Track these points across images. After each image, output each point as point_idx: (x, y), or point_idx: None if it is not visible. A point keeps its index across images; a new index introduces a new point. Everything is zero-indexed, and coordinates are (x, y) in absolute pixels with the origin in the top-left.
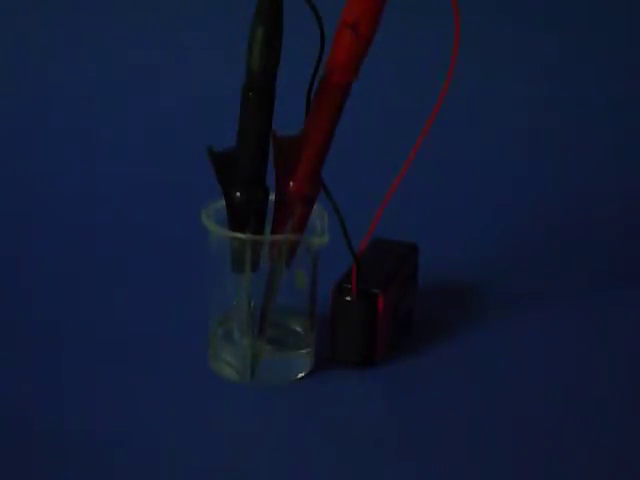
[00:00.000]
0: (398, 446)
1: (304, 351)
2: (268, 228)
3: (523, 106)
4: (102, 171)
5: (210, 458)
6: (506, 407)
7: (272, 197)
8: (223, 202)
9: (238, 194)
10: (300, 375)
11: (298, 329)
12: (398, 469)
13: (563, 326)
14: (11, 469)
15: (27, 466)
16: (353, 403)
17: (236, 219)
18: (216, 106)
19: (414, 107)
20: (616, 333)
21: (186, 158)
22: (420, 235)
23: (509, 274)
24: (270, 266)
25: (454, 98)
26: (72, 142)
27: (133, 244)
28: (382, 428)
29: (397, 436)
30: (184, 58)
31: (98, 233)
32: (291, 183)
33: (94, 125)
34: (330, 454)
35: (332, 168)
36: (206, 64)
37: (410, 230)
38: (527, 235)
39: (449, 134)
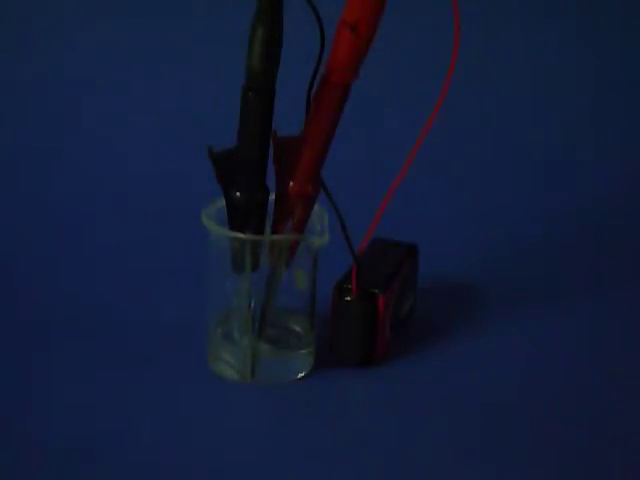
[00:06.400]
0: (398, 446)
1: (304, 351)
2: (268, 228)
3: (523, 106)
4: (102, 171)
5: (210, 458)
6: (506, 407)
7: (272, 197)
8: (223, 202)
9: (238, 194)
10: (300, 375)
11: (298, 329)
12: (398, 469)
13: (563, 326)
14: (9, 472)
15: (27, 467)
16: (353, 403)
17: (236, 219)
18: (216, 106)
19: (414, 107)
20: (616, 333)
21: (186, 158)
22: (420, 235)
23: (509, 274)
24: (270, 266)
25: (454, 98)
26: (72, 142)
27: (133, 244)
28: (382, 428)
29: (397, 436)
30: (184, 58)
31: (98, 233)
32: (291, 183)
33: (93, 125)
34: (330, 454)
35: (332, 168)
36: (206, 64)
37: (410, 230)
38: (527, 235)
39: (449, 134)
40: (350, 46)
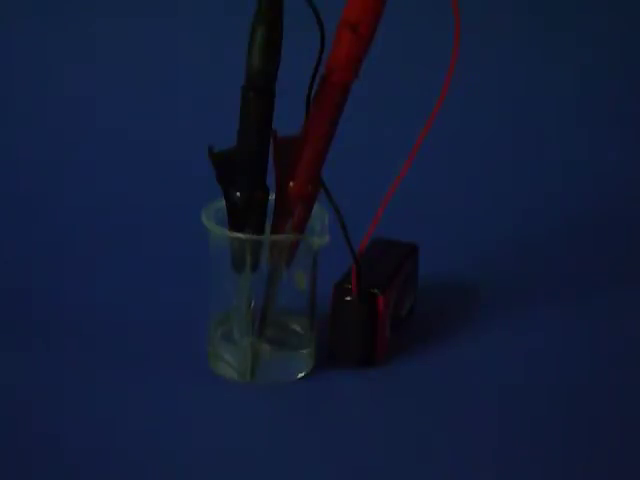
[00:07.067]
0: (398, 446)
1: (304, 351)
2: (268, 228)
3: (523, 106)
4: (101, 170)
5: (210, 458)
6: (507, 407)
7: (272, 197)
8: (223, 202)
9: (238, 194)
10: (300, 375)
11: (298, 329)
12: (398, 469)
13: (564, 326)
14: (7, 471)
15: (26, 468)
16: (353, 403)
17: (236, 219)
18: (216, 106)
19: (414, 107)
20: (616, 333)
21: (186, 158)
22: (420, 235)
23: (509, 274)
24: (270, 266)
25: (454, 98)
26: (70, 141)
27: (133, 244)
28: (382, 428)
29: (397, 436)
30: (184, 58)
31: (97, 233)
32: (291, 183)
33: (93, 126)
34: (330, 454)
35: (332, 168)
36: (206, 64)
37: (410, 230)
38: (527, 235)
39: (449, 134)
40: (350, 46)
